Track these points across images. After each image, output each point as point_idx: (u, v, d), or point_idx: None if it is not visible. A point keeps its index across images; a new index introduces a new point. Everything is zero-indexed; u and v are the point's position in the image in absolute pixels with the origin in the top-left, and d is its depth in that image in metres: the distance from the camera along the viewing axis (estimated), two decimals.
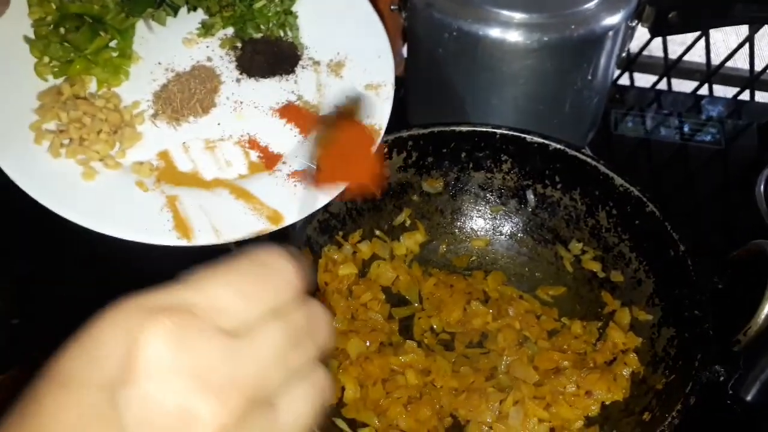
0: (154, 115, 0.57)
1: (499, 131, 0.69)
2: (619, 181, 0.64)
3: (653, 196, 0.63)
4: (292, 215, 0.52)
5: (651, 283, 0.62)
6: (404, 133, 0.69)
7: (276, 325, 0.26)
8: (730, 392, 0.70)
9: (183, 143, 0.56)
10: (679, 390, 0.52)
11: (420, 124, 0.70)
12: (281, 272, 0.27)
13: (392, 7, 0.76)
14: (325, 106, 0.60)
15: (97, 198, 0.50)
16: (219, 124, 0.58)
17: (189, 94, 0.57)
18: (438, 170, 0.72)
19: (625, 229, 0.65)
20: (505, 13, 0.68)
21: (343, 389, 0.61)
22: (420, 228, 0.73)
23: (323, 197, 0.54)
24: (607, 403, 0.59)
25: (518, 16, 0.68)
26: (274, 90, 0.61)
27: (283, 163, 0.57)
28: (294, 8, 0.64)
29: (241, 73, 0.61)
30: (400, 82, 0.82)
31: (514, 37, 0.69)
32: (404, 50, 0.83)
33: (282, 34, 0.62)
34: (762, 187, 0.85)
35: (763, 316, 0.49)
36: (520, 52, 0.69)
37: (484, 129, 0.69)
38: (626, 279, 0.65)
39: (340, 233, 0.69)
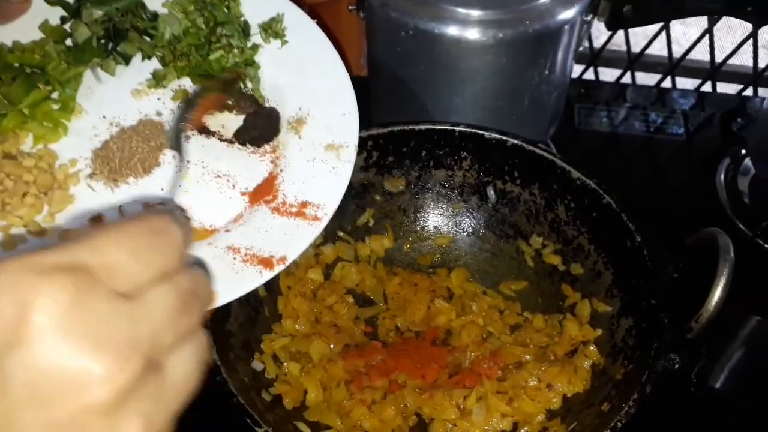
0: (91, 175, 0.52)
1: (457, 128, 0.69)
2: (575, 174, 0.65)
3: (609, 188, 0.63)
4: (224, 296, 0.47)
5: (609, 275, 0.63)
6: (364, 133, 0.68)
7: (167, 287, 0.26)
8: (695, 380, 0.70)
9: (119, 207, 0.52)
10: (636, 379, 0.52)
11: (380, 124, 0.70)
12: (170, 236, 0.27)
13: (350, 8, 0.77)
14: (280, 165, 0.56)
15: None
16: (161, 187, 0.53)
17: (130, 153, 0.53)
18: (399, 169, 0.72)
19: (583, 221, 0.66)
20: (461, 10, 0.68)
21: (305, 393, 0.60)
22: (388, 233, 0.73)
23: (263, 277, 0.49)
24: (569, 395, 0.59)
25: (474, 13, 0.68)
26: (224, 150, 0.56)
27: (227, 231, 0.52)
28: (257, 58, 0.60)
29: (231, 142, 0.56)
30: (363, 83, 0.83)
31: (470, 34, 0.69)
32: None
33: (241, 86, 0.58)
34: (722, 176, 0.86)
35: (713, 303, 0.50)
36: (477, 49, 0.70)
37: (443, 127, 0.69)
38: (586, 271, 0.66)
39: None
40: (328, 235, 0.71)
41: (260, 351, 0.62)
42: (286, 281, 0.67)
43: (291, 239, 0.51)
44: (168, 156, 0.54)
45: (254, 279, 0.48)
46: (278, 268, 0.49)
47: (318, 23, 0.61)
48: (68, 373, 0.23)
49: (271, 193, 0.54)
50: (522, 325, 0.66)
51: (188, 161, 0.54)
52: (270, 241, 0.50)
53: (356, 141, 0.56)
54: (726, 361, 0.77)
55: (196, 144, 0.56)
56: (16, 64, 0.54)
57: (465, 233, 0.73)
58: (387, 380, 0.62)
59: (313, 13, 0.62)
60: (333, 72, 0.59)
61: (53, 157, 0.53)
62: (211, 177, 0.55)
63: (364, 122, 0.70)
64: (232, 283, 0.48)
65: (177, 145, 0.53)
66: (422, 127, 0.69)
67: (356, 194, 0.71)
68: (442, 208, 0.73)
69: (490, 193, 0.71)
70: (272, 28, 0.60)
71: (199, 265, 0.30)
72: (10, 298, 0.23)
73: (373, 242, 0.72)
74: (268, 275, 0.49)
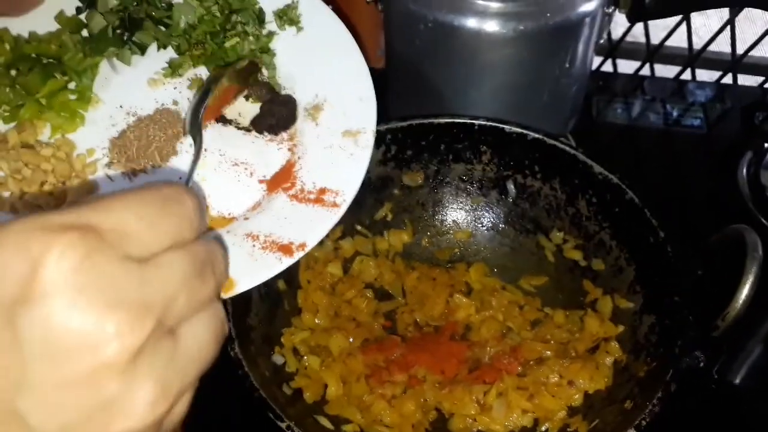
0: (109, 164, 0.52)
1: (477, 122, 0.68)
2: (597, 168, 0.64)
3: (632, 183, 0.62)
4: (244, 283, 0.46)
5: (632, 271, 0.62)
6: (382, 127, 0.68)
7: (180, 254, 0.26)
8: (715, 377, 0.70)
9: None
10: (660, 377, 0.52)
11: (398, 117, 0.69)
12: (183, 206, 0.27)
13: (368, 0, 0.76)
14: (297, 152, 0.55)
15: None
16: (179, 176, 0.52)
17: (147, 141, 0.53)
18: (418, 163, 0.71)
19: (605, 216, 0.65)
20: (481, 2, 0.68)
21: (325, 387, 0.60)
22: (407, 227, 0.72)
23: (282, 264, 0.48)
24: (590, 392, 0.59)
25: (494, 5, 0.67)
26: (242, 138, 0.56)
27: (245, 219, 0.52)
28: (272, 45, 0.59)
29: (248, 131, 0.56)
30: (380, 76, 0.82)
31: (489, 26, 0.68)
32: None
33: (258, 75, 0.57)
34: (744, 170, 0.84)
35: (740, 301, 0.49)
36: (497, 42, 0.69)
37: (463, 120, 0.69)
38: (607, 267, 0.65)
39: None
40: (347, 229, 0.71)
41: (281, 345, 0.62)
42: (306, 275, 0.67)
43: (310, 226, 0.51)
44: (185, 145, 0.54)
45: (274, 265, 0.48)
46: (298, 255, 0.49)
47: (333, 9, 0.61)
48: (80, 331, 0.22)
49: (289, 181, 0.54)
50: (542, 321, 0.66)
51: (205, 149, 0.54)
52: (289, 228, 0.50)
53: (374, 126, 0.56)
54: (746, 357, 0.76)
55: (213, 132, 0.56)
56: (33, 55, 0.54)
57: (484, 228, 0.73)
58: (407, 375, 0.62)
59: (328, 0, 0.62)
60: (349, 58, 0.58)
61: (71, 146, 0.53)
62: (228, 165, 0.55)
63: (382, 116, 0.70)
64: (252, 269, 0.48)
65: (194, 134, 0.53)
66: (441, 120, 0.69)
67: (375, 188, 0.71)
68: (461, 202, 0.73)
69: (510, 187, 0.71)
70: (287, 15, 0.60)
71: (217, 241, 0.30)
72: (21, 255, 0.23)
73: (392, 236, 0.72)
74: (288, 261, 0.49)
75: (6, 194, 0.49)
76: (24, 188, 0.49)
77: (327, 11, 0.60)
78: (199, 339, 0.26)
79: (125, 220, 0.25)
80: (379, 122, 0.68)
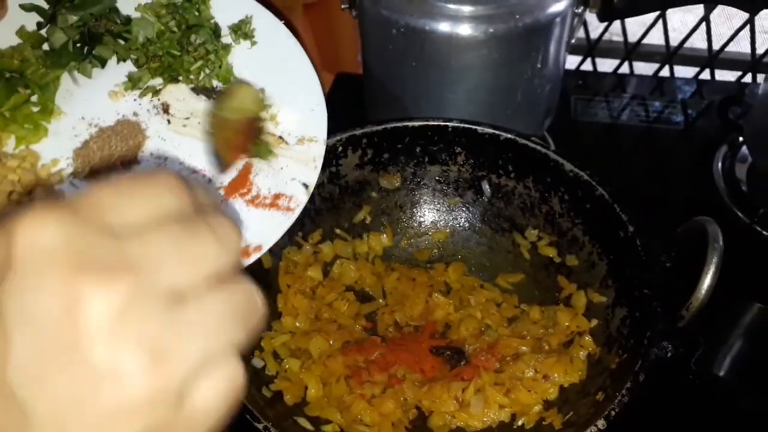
0: (73, 174, 0.54)
1: (451, 124, 0.70)
2: (568, 166, 0.65)
3: (602, 180, 0.63)
4: None
5: (604, 265, 0.63)
6: (358, 131, 0.70)
7: (169, 224, 0.24)
8: (694, 368, 0.71)
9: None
10: (630, 368, 0.53)
11: (374, 121, 0.70)
12: (164, 180, 0.25)
13: (342, 6, 0.77)
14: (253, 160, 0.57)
15: None
16: None
17: (109, 152, 0.55)
18: (394, 166, 0.72)
19: (577, 213, 0.66)
20: (452, 6, 0.69)
21: (305, 388, 0.61)
22: (387, 232, 0.73)
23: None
24: (565, 385, 0.60)
25: (464, 9, 0.69)
26: (199, 146, 0.57)
27: None
28: (228, 58, 0.61)
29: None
30: (360, 81, 0.84)
31: (461, 30, 0.69)
32: None
33: (213, 84, 0.60)
34: (720, 163, 0.86)
35: (703, 291, 0.50)
36: (468, 45, 0.70)
37: (437, 123, 0.70)
38: (581, 262, 0.66)
39: (300, 234, 0.70)
40: (326, 233, 0.72)
41: (260, 348, 0.63)
42: (286, 279, 0.68)
43: (266, 229, 0.53)
44: (146, 152, 0.56)
45: None
46: (254, 256, 0.52)
47: (285, 24, 0.63)
48: (56, 297, 0.22)
49: (245, 186, 0.56)
50: (519, 317, 0.67)
51: (166, 159, 0.56)
52: (246, 231, 0.53)
53: (325, 135, 0.58)
54: (728, 349, 0.77)
55: (172, 141, 0.58)
56: None
57: (461, 228, 0.74)
58: (386, 374, 0.63)
59: (279, 14, 0.64)
60: (300, 69, 0.61)
61: (36, 157, 0.55)
62: (188, 172, 0.57)
63: (359, 120, 0.72)
64: None
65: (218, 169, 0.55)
66: (416, 123, 0.70)
67: (352, 192, 0.72)
68: (438, 203, 0.74)
69: (485, 187, 0.72)
70: (241, 30, 0.62)
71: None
72: (58, 299, 0.21)
73: (372, 240, 0.73)
74: (244, 263, 0.51)
75: None
76: None
77: (279, 26, 0.63)
78: (214, 309, 0.24)
79: (102, 195, 0.24)
80: (355, 126, 0.70)
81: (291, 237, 0.70)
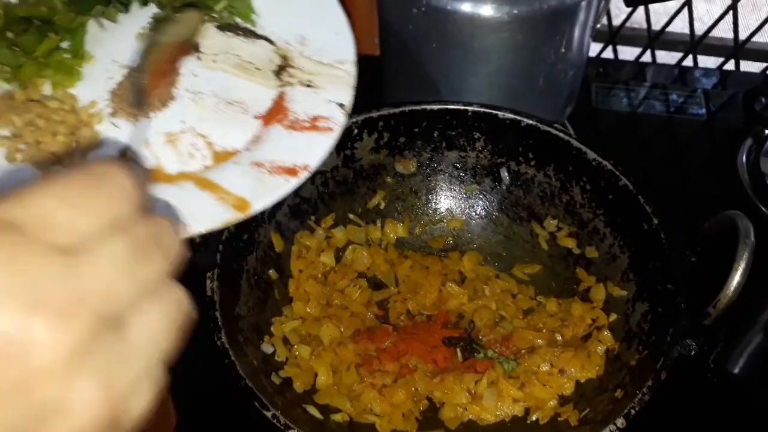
0: (113, 114, 0.56)
1: (470, 108, 0.68)
2: (591, 155, 0.63)
3: (626, 170, 0.61)
4: (259, 202, 0.52)
5: (625, 258, 0.62)
6: (374, 114, 0.68)
7: (117, 237, 0.24)
8: (712, 366, 0.69)
9: (144, 140, 0.55)
10: (651, 366, 0.51)
11: (391, 104, 0.68)
12: (116, 182, 0.25)
13: None
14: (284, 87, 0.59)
15: None
16: (180, 118, 0.56)
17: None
18: (411, 150, 0.70)
19: (599, 204, 0.64)
20: None
21: (315, 376, 0.60)
22: (404, 220, 0.72)
23: (290, 184, 0.53)
24: (582, 381, 0.58)
25: None
26: (232, 80, 0.59)
27: (248, 150, 0.55)
28: None
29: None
30: (376, 63, 0.81)
31: (483, 10, 0.67)
32: None
33: (234, 20, 0.60)
34: (744, 157, 0.83)
35: (732, 288, 0.48)
36: (491, 26, 0.68)
37: (456, 106, 0.68)
38: (601, 255, 0.64)
39: (312, 218, 0.68)
40: (339, 218, 0.70)
41: (270, 334, 0.62)
42: (298, 264, 0.67)
43: (310, 150, 0.55)
44: (181, 89, 0.58)
45: (282, 186, 0.52)
46: (303, 175, 0.53)
47: None
48: (5, 338, 0.21)
49: (282, 113, 0.57)
50: (535, 310, 0.65)
51: (201, 92, 0.58)
52: (291, 153, 0.54)
53: (353, 57, 0.59)
54: (745, 346, 0.75)
55: (204, 77, 0.59)
56: (26, 17, 0.56)
57: (478, 216, 0.72)
58: (398, 364, 0.62)
59: None
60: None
61: (74, 99, 0.56)
62: (224, 105, 0.58)
63: (376, 103, 0.70)
64: (262, 191, 0.52)
65: (137, 102, 0.56)
66: (434, 107, 0.68)
67: (367, 176, 0.70)
68: (455, 190, 0.72)
69: (504, 174, 0.70)
70: None
71: (166, 210, 0.27)
72: (5, 337, 0.21)
73: (388, 228, 0.71)
74: (294, 182, 0.53)
75: (23, 147, 0.52)
76: (39, 138, 0.52)
77: None
78: (152, 326, 0.24)
79: (50, 211, 0.23)
80: (371, 109, 0.68)
81: (303, 221, 0.68)
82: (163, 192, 0.51)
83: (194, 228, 0.49)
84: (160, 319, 0.25)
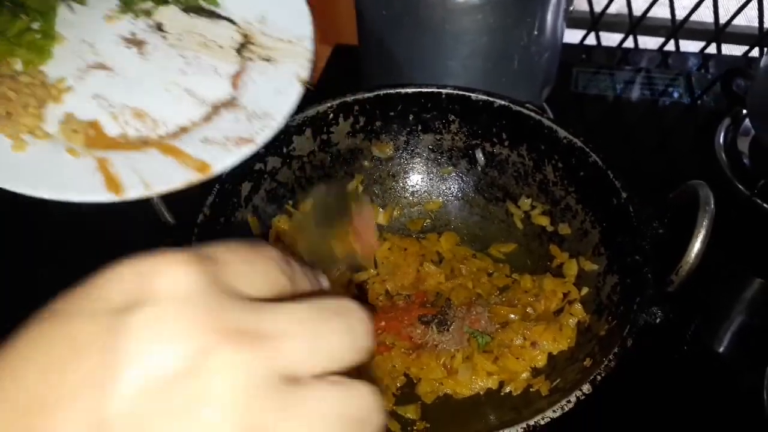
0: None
1: (444, 91, 0.69)
2: (562, 133, 0.64)
3: (596, 146, 0.62)
4: (219, 165, 0.53)
5: (597, 233, 0.62)
6: (349, 98, 0.69)
7: (337, 389, 0.22)
8: (689, 339, 0.70)
9: (111, 112, 0.56)
10: (618, 334, 0.52)
11: (366, 88, 0.69)
12: (357, 327, 0.23)
13: None
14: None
15: (29, 166, 0.51)
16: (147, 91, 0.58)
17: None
18: (387, 134, 0.71)
19: (571, 181, 0.65)
20: None
21: None
22: (386, 210, 0.73)
23: (250, 148, 0.55)
24: (554, 353, 0.59)
25: None
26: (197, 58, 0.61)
27: (207, 120, 0.57)
28: None
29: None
30: (356, 52, 0.82)
31: None
32: None
33: (198, 2, 0.63)
34: (722, 137, 0.84)
35: (693, 255, 0.49)
36: (462, 10, 0.69)
37: (430, 89, 0.69)
38: (573, 231, 0.65)
39: (290, 202, 0.69)
40: None
41: None
42: (277, 248, 0.68)
43: (277, 102, 0.58)
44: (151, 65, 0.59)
45: (243, 149, 0.55)
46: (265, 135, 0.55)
47: None
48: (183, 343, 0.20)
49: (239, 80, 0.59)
50: (510, 287, 0.66)
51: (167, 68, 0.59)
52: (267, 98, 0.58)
53: (311, 34, 0.61)
54: (728, 324, 0.76)
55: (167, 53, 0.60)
56: None
57: (454, 197, 0.73)
58: (375, 342, 0.62)
59: None
60: None
61: (44, 76, 0.58)
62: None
63: (356, 88, 0.70)
64: (222, 155, 0.54)
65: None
66: (409, 90, 0.69)
67: (344, 160, 0.71)
68: (432, 172, 0.73)
69: (479, 156, 0.71)
70: None
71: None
72: (184, 347, 0.20)
73: None
74: (254, 146, 0.55)
75: None
76: (9, 110, 0.54)
77: None
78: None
79: (295, 333, 0.22)
80: (347, 93, 0.69)
81: (280, 206, 0.69)
82: (128, 158, 0.53)
83: (157, 188, 0.51)
84: (339, 404, 0.22)
